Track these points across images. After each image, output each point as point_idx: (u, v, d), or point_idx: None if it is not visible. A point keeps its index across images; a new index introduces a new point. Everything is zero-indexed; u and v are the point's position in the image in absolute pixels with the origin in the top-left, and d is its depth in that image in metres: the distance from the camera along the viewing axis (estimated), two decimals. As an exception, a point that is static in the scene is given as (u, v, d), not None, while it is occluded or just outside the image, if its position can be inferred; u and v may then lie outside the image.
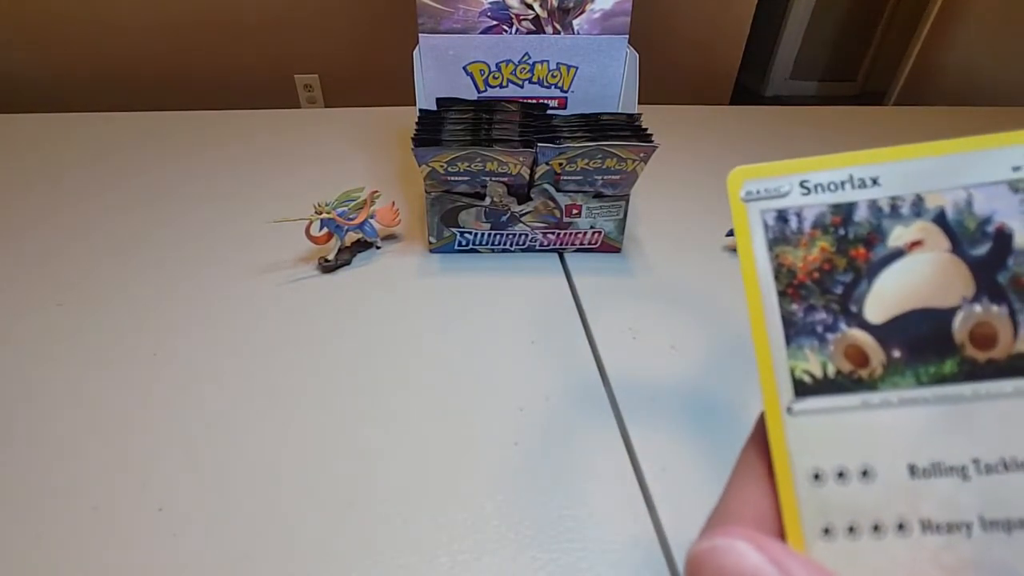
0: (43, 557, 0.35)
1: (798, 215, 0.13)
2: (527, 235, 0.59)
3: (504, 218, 0.57)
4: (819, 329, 0.12)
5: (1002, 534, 0.11)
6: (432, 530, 0.36)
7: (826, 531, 0.12)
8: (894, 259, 0.12)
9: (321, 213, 0.55)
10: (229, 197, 0.70)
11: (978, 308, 0.12)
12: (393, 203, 0.62)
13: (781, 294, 0.13)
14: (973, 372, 0.12)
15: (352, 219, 0.57)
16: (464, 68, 0.61)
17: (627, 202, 0.58)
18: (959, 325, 0.12)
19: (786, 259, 0.13)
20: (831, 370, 0.12)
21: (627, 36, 0.61)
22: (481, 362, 0.48)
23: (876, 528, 0.11)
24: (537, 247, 0.60)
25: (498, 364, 0.48)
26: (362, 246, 0.61)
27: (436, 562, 0.35)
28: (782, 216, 0.13)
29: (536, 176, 0.54)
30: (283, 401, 0.44)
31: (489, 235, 0.59)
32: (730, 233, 0.60)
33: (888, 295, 0.12)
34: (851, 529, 0.12)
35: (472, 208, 0.57)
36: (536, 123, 0.57)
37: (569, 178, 0.54)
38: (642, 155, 0.52)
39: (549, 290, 0.56)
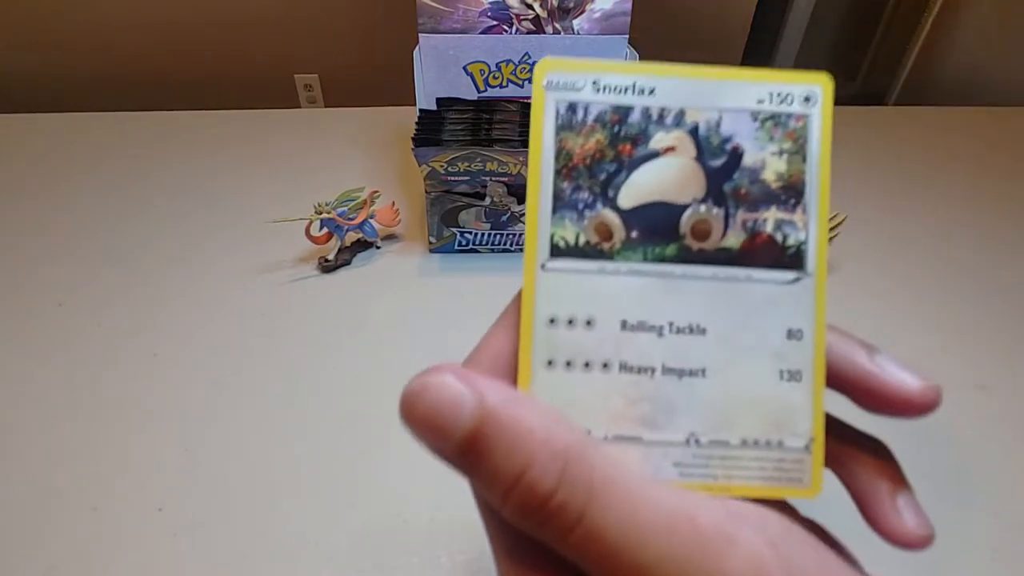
0: (43, 557, 0.35)
1: (585, 109, 0.15)
2: (527, 235, 0.59)
3: (504, 218, 0.57)
4: (580, 206, 0.15)
5: (675, 379, 0.15)
6: (432, 530, 0.36)
7: (549, 363, 0.15)
8: (650, 158, 0.15)
9: (321, 213, 0.55)
10: (229, 197, 0.70)
11: (703, 208, 0.15)
12: (393, 203, 0.62)
13: (557, 172, 0.15)
14: (686, 257, 0.15)
15: (352, 219, 0.57)
16: (464, 68, 0.61)
17: (627, 202, 0.58)
18: (686, 219, 0.15)
19: (567, 144, 0.15)
20: (582, 240, 0.15)
21: (627, 36, 0.61)
22: (481, 362, 0.48)
23: (587, 364, 0.15)
24: (537, 247, 0.60)
25: (498, 364, 0.48)
26: (362, 246, 0.61)
27: (436, 562, 0.35)
28: (572, 107, 0.15)
29: (536, 176, 0.54)
30: (283, 401, 0.44)
31: (489, 235, 0.59)
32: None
33: (639, 187, 0.15)
34: (568, 363, 0.15)
35: (472, 208, 0.57)
36: (536, 123, 0.57)
37: (569, 178, 0.54)
38: (642, 155, 0.52)
39: (549, 290, 0.56)
